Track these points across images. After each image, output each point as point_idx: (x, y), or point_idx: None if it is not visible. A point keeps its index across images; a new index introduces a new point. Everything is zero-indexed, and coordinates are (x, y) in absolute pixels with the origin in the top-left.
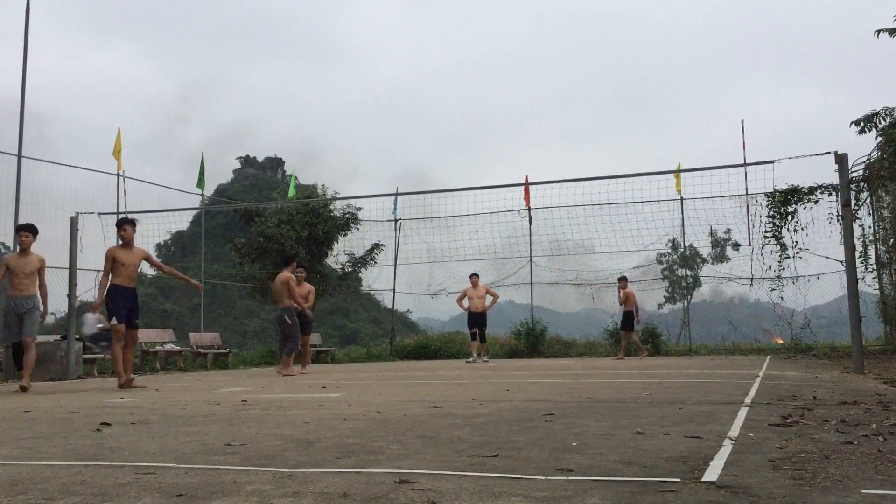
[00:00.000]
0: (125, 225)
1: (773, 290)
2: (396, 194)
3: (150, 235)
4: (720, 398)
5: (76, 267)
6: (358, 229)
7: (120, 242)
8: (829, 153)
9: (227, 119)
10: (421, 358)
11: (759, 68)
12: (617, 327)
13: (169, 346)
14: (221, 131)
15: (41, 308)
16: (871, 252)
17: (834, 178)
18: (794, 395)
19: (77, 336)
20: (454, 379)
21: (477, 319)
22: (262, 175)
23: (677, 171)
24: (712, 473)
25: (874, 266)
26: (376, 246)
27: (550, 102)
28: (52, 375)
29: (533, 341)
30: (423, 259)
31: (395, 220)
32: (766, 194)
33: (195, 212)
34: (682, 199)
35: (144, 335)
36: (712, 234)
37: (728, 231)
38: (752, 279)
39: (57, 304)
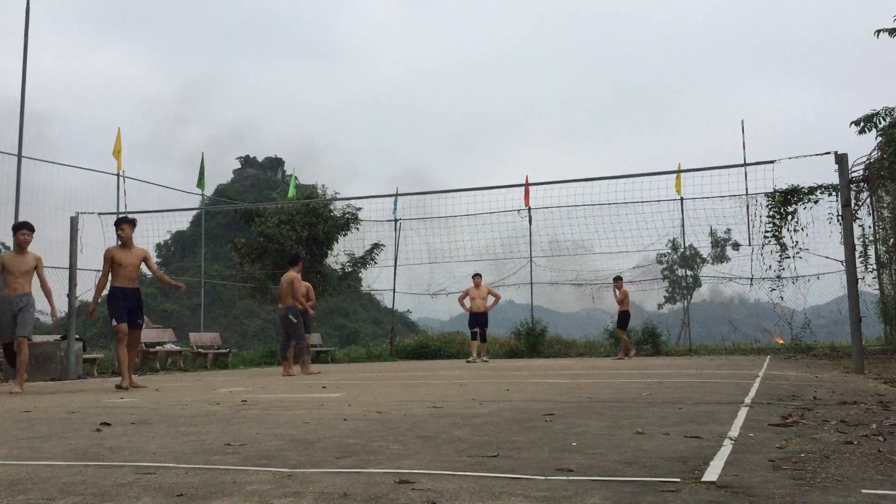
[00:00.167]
0: (123, 224)
1: (773, 290)
2: (396, 195)
3: (150, 235)
4: (720, 398)
5: (76, 267)
6: (358, 229)
7: (119, 243)
8: (829, 153)
9: (227, 119)
10: (421, 358)
11: (759, 68)
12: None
13: (169, 346)
14: (221, 131)
15: (51, 307)
16: (871, 252)
17: (834, 178)
18: (794, 395)
19: (77, 336)
20: (454, 379)
21: (478, 319)
22: (262, 175)
23: (677, 171)
24: (712, 473)
25: (874, 266)
26: (376, 246)
27: (550, 102)
28: (52, 375)
29: (533, 341)
30: (423, 259)
31: (395, 221)
32: (766, 194)
33: (195, 212)
34: (682, 199)
35: (144, 335)
36: (712, 234)
37: (728, 231)
38: (752, 279)
39: (57, 305)
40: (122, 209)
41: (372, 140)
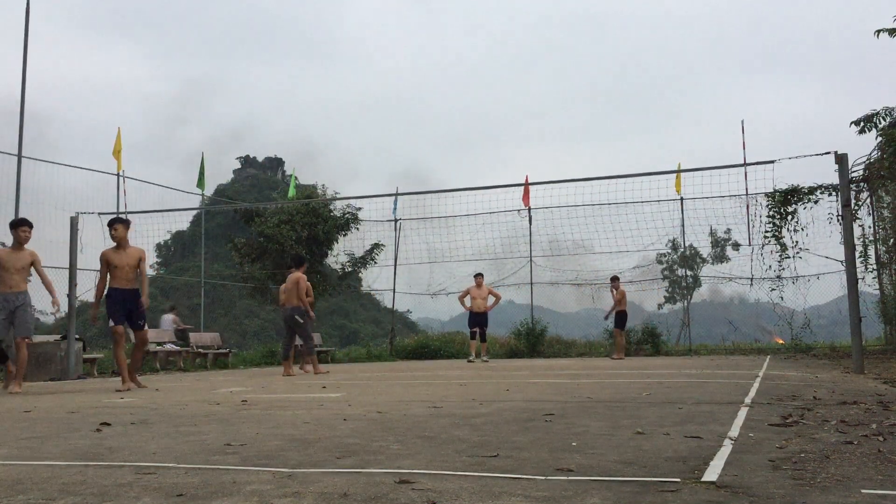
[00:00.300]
0: (116, 224)
1: (773, 290)
2: (396, 194)
3: (150, 235)
4: (720, 398)
5: (76, 267)
6: (358, 229)
7: (115, 244)
8: (829, 153)
9: (227, 119)
10: (421, 358)
11: (759, 68)
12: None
13: (169, 346)
14: (221, 131)
15: (53, 298)
16: (871, 252)
17: (834, 178)
18: (794, 395)
19: (77, 336)
20: (454, 379)
21: (478, 319)
22: (262, 175)
23: (677, 171)
24: (712, 473)
25: (874, 266)
26: (376, 246)
27: (550, 102)
28: (52, 375)
29: (533, 341)
30: (422, 259)
31: (395, 221)
32: (766, 194)
33: (195, 212)
34: (682, 199)
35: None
36: (712, 234)
37: (728, 231)
38: (752, 279)
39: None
40: (122, 209)
41: (372, 140)
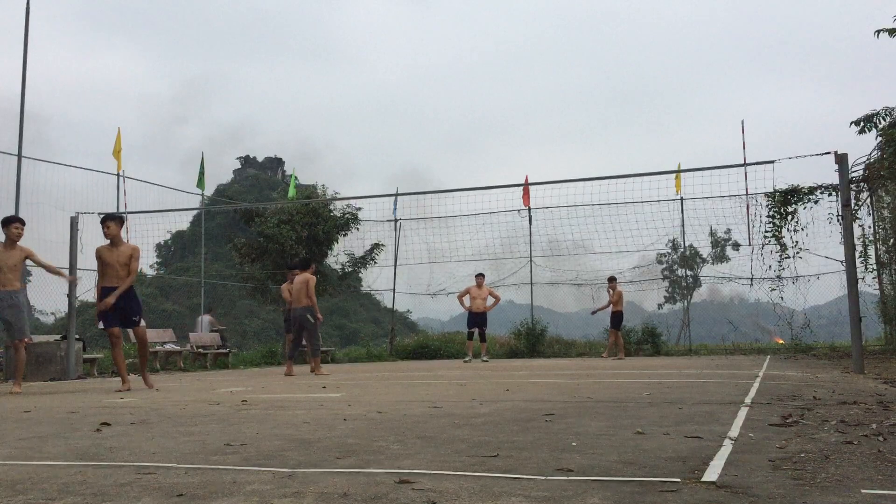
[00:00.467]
0: (108, 221)
1: (773, 290)
2: (396, 195)
3: (150, 235)
4: (720, 398)
5: (76, 267)
6: (358, 229)
7: (108, 242)
8: (829, 153)
9: (227, 119)
10: (421, 358)
11: (759, 68)
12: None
13: (169, 346)
14: (221, 131)
15: (61, 276)
16: (871, 252)
17: (834, 178)
18: (794, 395)
19: (77, 336)
20: (454, 379)
21: (477, 319)
22: (262, 175)
23: (677, 171)
24: (712, 473)
25: (874, 266)
26: (376, 246)
27: (550, 102)
28: (52, 375)
29: (533, 341)
30: (422, 259)
31: (395, 221)
32: (766, 194)
33: (195, 212)
34: (681, 199)
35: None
36: (712, 234)
37: (728, 231)
38: (752, 279)
39: (57, 305)
40: (121, 209)
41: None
